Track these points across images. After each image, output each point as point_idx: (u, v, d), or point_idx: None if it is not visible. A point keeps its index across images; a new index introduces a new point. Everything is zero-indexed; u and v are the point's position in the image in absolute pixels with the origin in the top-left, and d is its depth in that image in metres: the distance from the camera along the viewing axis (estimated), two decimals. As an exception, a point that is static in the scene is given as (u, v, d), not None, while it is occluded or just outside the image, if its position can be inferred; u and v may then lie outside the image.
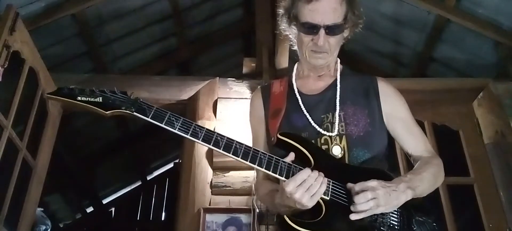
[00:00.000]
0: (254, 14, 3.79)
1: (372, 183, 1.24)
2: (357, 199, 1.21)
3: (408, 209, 1.31)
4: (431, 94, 3.18)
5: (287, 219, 1.21)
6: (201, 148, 2.94)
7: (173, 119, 1.27)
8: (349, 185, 1.26)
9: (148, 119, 1.26)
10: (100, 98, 1.28)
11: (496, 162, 2.92)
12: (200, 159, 2.94)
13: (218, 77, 3.31)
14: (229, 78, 3.31)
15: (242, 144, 1.28)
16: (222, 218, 2.77)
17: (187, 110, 3.18)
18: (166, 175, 7.15)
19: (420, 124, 2.98)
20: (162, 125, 1.26)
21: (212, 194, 2.86)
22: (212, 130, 1.29)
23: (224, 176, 2.89)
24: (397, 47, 3.97)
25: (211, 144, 1.26)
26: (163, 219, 7.05)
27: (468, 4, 3.18)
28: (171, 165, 7.02)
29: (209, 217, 2.77)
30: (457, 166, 3.05)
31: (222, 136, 1.27)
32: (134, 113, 1.26)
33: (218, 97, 3.18)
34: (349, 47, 4.23)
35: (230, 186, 2.87)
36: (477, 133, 3.06)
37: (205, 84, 3.25)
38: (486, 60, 3.42)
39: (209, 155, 2.92)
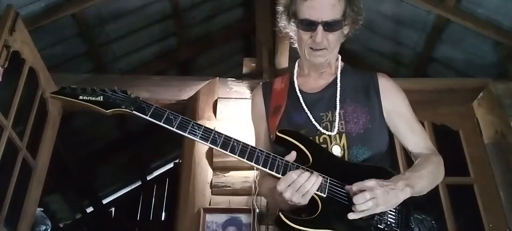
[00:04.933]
0: (254, 14, 3.79)
1: (370, 182, 1.23)
2: (356, 199, 1.21)
3: (407, 206, 1.30)
4: (431, 94, 3.18)
5: (281, 215, 1.22)
6: (201, 148, 2.94)
7: (172, 117, 1.29)
8: (347, 187, 1.26)
9: (147, 117, 1.28)
10: (101, 97, 1.31)
11: (496, 162, 2.92)
12: (200, 159, 2.94)
13: (218, 77, 3.30)
14: (229, 78, 3.31)
15: (240, 142, 1.29)
16: (222, 218, 2.77)
17: (187, 111, 3.17)
18: (166, 175, 7.15)
19: (420, 124, 3.01)
20: (161, 123, 1.28)
21: (212, 194, 2.86)
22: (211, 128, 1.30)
23: (224, 176, 2.89)
24: (397, 47, 3.97)
25: (209, 142, 1.28)
26: (163, 219, 7.05)
27: (468, 4, 3.18)
28: (171, 165, 7.02)
29: (209, 217, 2.76)
30: (457, 166, 3.05)
31: (220, 134, 1.29)
32: (134, 112, 1.29)
33: (218, 97, 3.17)
34: (349, 47, 4.24)
35: (230, 186, 2.87)
36: (477, 133, 3.06)
37: (205, 84, 3.25)
38: (486, 60, 3.43)
39: (209, 155, 2.92)
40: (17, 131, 2.51)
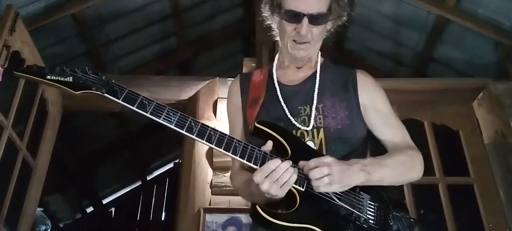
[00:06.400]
0: (254, 14, 3.79)
1: (327, 159, 1.21)
2: (313, 174, 1.18)
3: (385, 203, 1.29)
4: (431, 94, 3.17)
5: (258, 208, 1.18)
6: (201, 148, 2.94)
7: (146, 102, 1.23)
8: (301, 163, 1.22)
9: (119, 101, 1.22)
10: (70, 78, 1.23)
11: (496, 162, 2.92)
12: (200, 159, 2.94)
13: (218, 77, 3.31)
14: (229, 78, 3.30)
15: (217, 131, 1.24)
16: (222, 218, 2.77)
17: (187, 110, 3.17)
18: (166, 175, 7.16)
19: (420, 124, 3.01)
20: (134, 108, 1.22)
21: (212, 194, 2.86)
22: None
23: (224, 176, 2.88)
24: (397, 47, 3.97)
25: (184, 129, 1.22)
26: (163, 219, 7.05)
27: (468, 4, 3.17)
28: (171, 165, 7.03)
29: (209, 217, 2.76)
30: (457, 166, 3.05)
31: (196, 122, 1.24)
32: (105, 94, 1.23)
33: (218, 97, 3.17)
34: (349, 47, 4.24)
35: (230, 186, 2.85)
36: (477, 133, 3.06)
37: (205, 84, 3.25)
38: (486, 60, 3.42)
39: (209, 155, 2.92)
40: (17, 131, 2.52)
